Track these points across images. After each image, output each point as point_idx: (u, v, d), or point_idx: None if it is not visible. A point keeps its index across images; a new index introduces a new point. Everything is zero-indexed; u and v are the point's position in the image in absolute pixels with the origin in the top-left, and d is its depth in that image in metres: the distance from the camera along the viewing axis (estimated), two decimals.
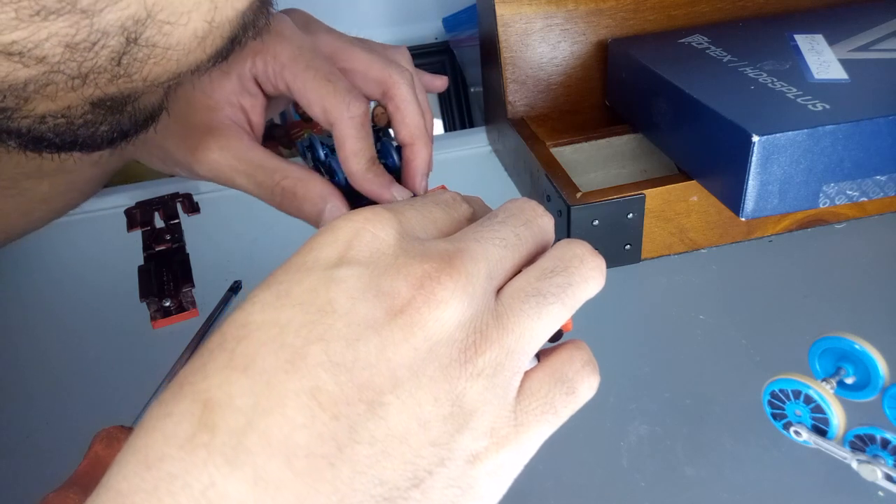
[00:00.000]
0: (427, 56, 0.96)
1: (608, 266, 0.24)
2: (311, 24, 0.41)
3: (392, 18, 0.94)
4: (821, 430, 0.33)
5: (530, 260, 0.23)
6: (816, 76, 0.43)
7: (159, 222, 0.55)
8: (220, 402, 0.17)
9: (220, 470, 0.17)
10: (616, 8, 0.54)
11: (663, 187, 0.45)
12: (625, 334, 0.44)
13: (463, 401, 0.19)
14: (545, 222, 0.24)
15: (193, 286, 0.48)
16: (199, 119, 0.38)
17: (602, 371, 0.23)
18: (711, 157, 0.42)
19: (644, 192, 0.45)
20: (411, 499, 0.18)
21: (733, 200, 0.40)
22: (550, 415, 0.21)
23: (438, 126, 0.99)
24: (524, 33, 0.54)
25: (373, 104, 0.47)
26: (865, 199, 0.41)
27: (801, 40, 0.49)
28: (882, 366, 0.33)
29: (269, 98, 0.40)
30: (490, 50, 0.57)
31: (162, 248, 0.52)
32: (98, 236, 0.58)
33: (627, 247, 0.47)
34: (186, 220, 0.55)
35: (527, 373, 0.21)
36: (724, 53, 0.48)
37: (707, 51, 0.49)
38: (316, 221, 0.37)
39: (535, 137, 0.53)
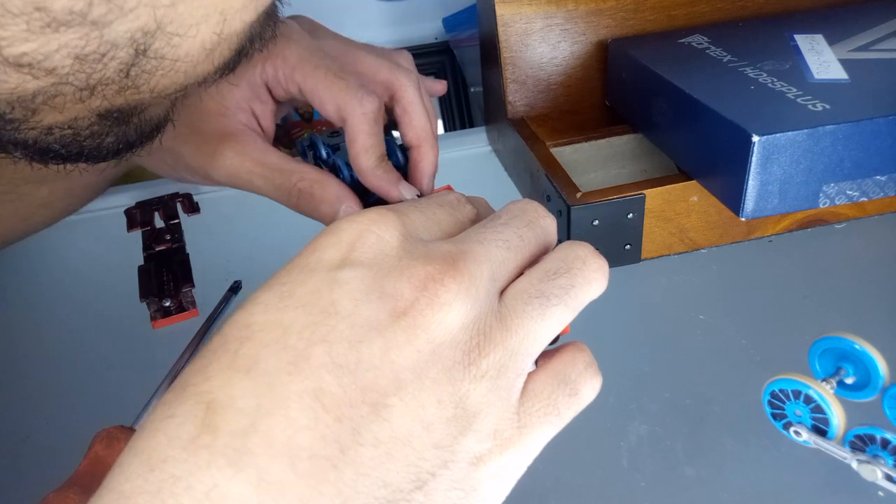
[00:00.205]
0: (427, 56, 0.96)
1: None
2: (316, 29, 0.41)
3: (392, 18, 0.94)
4: (821, 430, 0.33)
5: (533, 261, 0.23)
6: (816, 76, 0.43)
7: (159, 222, 0.55)
8: (223, 404, 0.17)
9: (223, 472, 0.16)
10: (616, 8, 0.54)
11: (663, 187, 0.45)
12: (625, 334, 0.44)
13: (466, 403, 0.19)
14: (548, 223, 0.24)
15: (193, 286, 0.48)
16: (212, 126, 0.38)
17: (602, 371, 0.23)
18: (711, 157, 0.42)
19: (644, 192, 0.45)
20: (414, 501, 0.18)
21: (733, 200, 0.40)
22: (553, 416, 0.21)
23: (439, 126, 0.99)
24: (524, 33, 0.54)
25: None
26: (865, 199, 0.41)
27: (801, 40, 0.49)
28: (882, 366, 0.33)
29: (278, 103, 0.40)
30: (490, 50, 0.57)
31: (162, 248, 0.52)
32: (98, 236, 0.58)
33: (627, 247, 0.47)
34: (186, 220, 0.55)
35: (529, 374, 0.21)
36: (724, 53, 0.48)
37: (707, 51, 0.49)
38: (331, 222, 0.38)
39: (535, 137, 0.53)
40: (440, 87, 0.46)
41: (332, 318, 0.19)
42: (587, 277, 0.22)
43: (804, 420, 0.34)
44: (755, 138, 0.37)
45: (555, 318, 0.21)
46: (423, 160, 0.39)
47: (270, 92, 0.39)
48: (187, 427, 0.17)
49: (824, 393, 0.32)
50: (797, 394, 0.33)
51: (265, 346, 0.18)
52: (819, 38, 0.49)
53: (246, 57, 0.22)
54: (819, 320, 0.43)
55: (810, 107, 0.40)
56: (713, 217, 0.47)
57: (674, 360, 0.41)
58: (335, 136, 0.43)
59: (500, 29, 0.53)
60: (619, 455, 0.36)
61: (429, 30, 0.96)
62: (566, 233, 0.45)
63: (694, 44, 0.51)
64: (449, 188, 0.40)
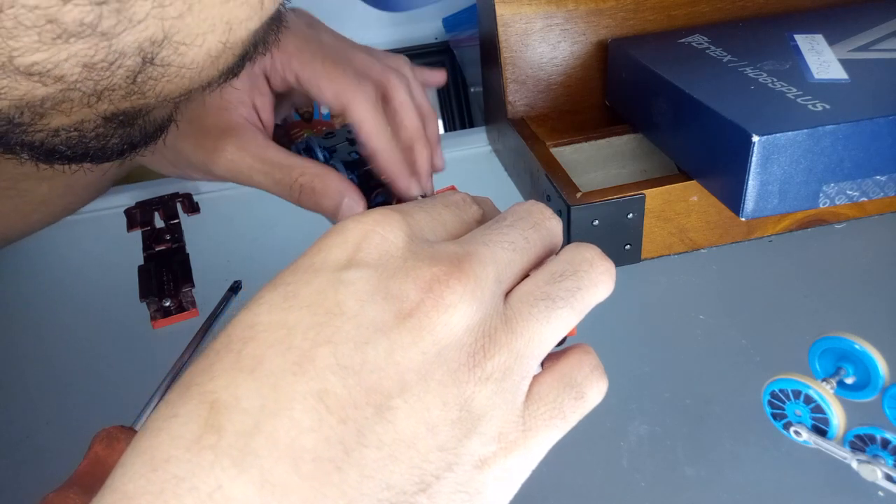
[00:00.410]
0: (427, 56, 0.96)
1: None
2: (314, 23, 0.41)
3: (392, 18, 0.94)
4: (821, 430, 0.33)
5: (538, 263, 0.23)
6: (816, 76, 0.43)
7: (159, 222, 0.55)
8: (227, 404, 0.17)
9: (226, 472, 0.16)
10: (616, 8, 0.54)
11: (663, 187, 0.45)
12: (625, 334, 0.44)
13: (471, 405, 0.19)
14: (553, 225, 0.24)
15: (193, 286, 0.48)
16: (213, 121, 0.38)
17: None
18: (711, 157, 0.42)
19: (644, 192, 0.45)
20: (418, 503, 0.18)
21: (733, 200, 0.40)
22: (559, 419, 0.21)
23: (439, 127, 0.99)
24: (524, 33, 0.54)
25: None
26: (865, 199, 0.41)
27: (801, 40, 0.49)
28: (882, 366, 0.33)
29: (276, 95, 0.41)
30: (490, 50, 0.57)
31: (162, 248, 0.52)
32: (98, 236, 0.57)
33: (627, 247, 0.47)
34: (186, 220, 0.55)
35: (535, 377, 0.21)
36: (724, 53, 0.48)
37: (707, 51, 0.49)
38: (334, 215, 0.38)
39: (535, 137, 0.53)
40: (439, 77, 0.46)
41: (338, 318, 0.19)
42: (593, 280, 0.22)
43: (804, 420, 0.34)
44: (755, 138, 0.37)
45: (560, 321, 0.21)
46: (418, 159, 0.40)
47: (269, 82, 0.40)
48: (191, 427, 0.17)
49: (824, 393, 0.32)
50: (797, 394, 0.33)
51: (270, 346, 0.18)
52: (819, 38, 0.49)
53: (250, 61, 0.22)
54: (819, 320, 0.43)
55: (810, 107, 0.40)
56: (713, 217, 0.47)
57: (674, 360, 0.41)
58: (330, 136, 0.43)
59: (500, 29, 0.53)
60: (619, 455, 0.36)
61: (429, 30, 0.96)
62: (566, 233, 0.45)
63: (694, 44, 0.51)
64: (453, 188, 0.40)
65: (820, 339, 0.35)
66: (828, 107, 0.39)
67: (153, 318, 0.46)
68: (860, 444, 0.32)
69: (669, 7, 0.54)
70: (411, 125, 0.40)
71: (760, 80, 0.44)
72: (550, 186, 0.47)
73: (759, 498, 0.34)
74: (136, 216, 0.56)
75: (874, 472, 0.31)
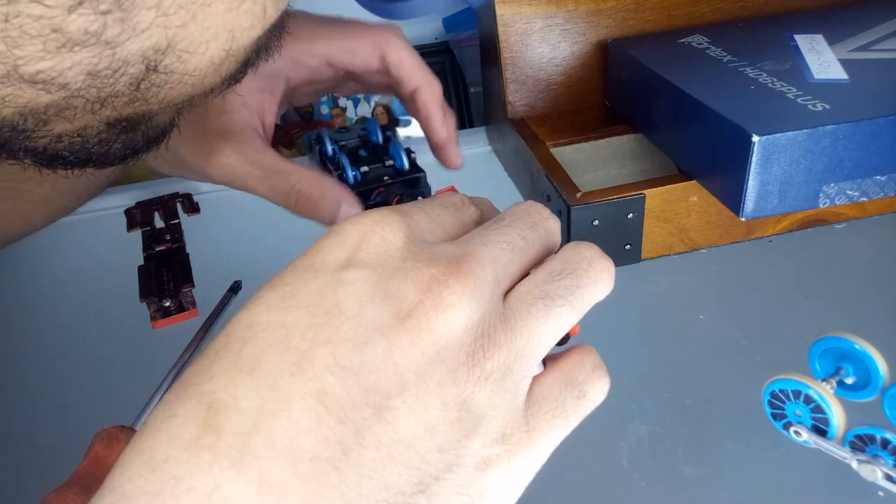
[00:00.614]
0: (427, 56, 0.96)
1: None
2: (309, 14, 0.42)
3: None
4: (821, 430, 0.33)
5: (537, 263, 0.23)
6: (816, 76, 0.43)
7: (159, 222, 0.55)
8: (226, 404, 0.17)
9: (225, 473, 0.16)
10: (616, 8, 0.54)
11: (663, 187, 0.45)
12: (625, 334, 0.44)
13: (471, 405, 0.19)
14: (551, 225, 0.24)
15: (193, 286, 0.48)
16: (212, 124, 0.38)
17: None
18: (711, 157, 0.42)
19: (644, 192, 0.45)
20: None
21: (733, 200, 0.40)
22: (562, 419, 0.20)
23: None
24: (524, 33, 0.54)
25: (372, 102, 0.47)
26: (865, 199, 0.41)
27: (801, 40, 0.49)
28: (882, 366, 0.33)
29: (284, 95, 0.41)
30: (490, 50, 0.57)
31: (162, 248, 0.52)
32: (98, 236, 0.57)
33: (627, 247, 0.47)
34: (186, 220, 0.55)
35: (536, 378, 0.21)
36: (724, 53, 0.48)
37: (707, 51, 0.49)
38: (331, 223, 0.38)
39: (535, 137, 0.53)
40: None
41: (336, 319, 0.19)
42: (593, 278, 0.22)
43: (804, 420, 0.34)
44: (755, 138, 0.37)
45: (560, 320, 0.21)
46: (428, 100, 0.41)
47: (289, 80, 0.40)
48: (189, 427, 0.17)
49: (824, 393, 0.32)
50: (797, 394, 0.33)
51: (268, 346, 0.18)
52: (819, 38, 0.49)
53: (252, 68, 0.22)
54: (819, 320, 0.43)
55: (810, 107, 0.40)
56: (713, 217, 0.47)
57: (674, 360, 0.41)
58: (343, 131, 0.43)
59: (500, 29, 0.53)
60: (619, 455, 0.36)
61: (429, 30, 0.95)
62: (566, 233, 0.45)
63: (694, 44, 0.51)
64: (452, 189, 0.41)
65: (820, 339, 0.35)
66: (828, 107, 0.39)
67: (153, 318, 0.46)
68: (860, 444, 0.32)
69: (669, 7, 0.54)
70: (414, 70, 0.41)
71: (760, 80, 0.44)
72: (550, 186, 0.47)
73: (759, 498, 0.34)
74: (136, 216, 0.56)
75: (874, 472, 0.31)
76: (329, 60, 0.39)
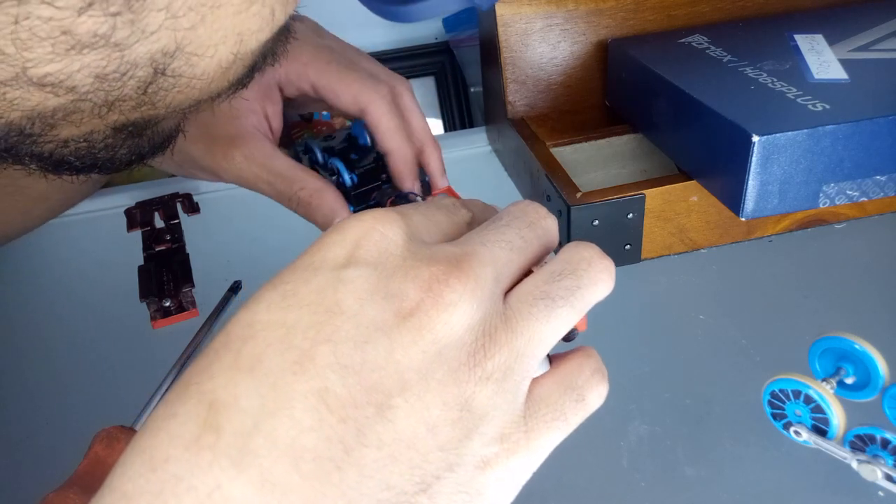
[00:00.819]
0: (427, 56, 0.96)
1: None
2: (319, 31, 0.43)
3: None
4: (821, 430, 0.33)
5: (535, 262, 0.23)
6: (816, 76, 0.43)
7: (159, 222, 0.55)
8: (226, 404, 0.17)
9: (226, 472, 0.16)
10: (616, 8, 0.54)
11: (663, 187, 0.45)
12: (625, 334, 0.44)
13: (472, 405, 0.19)
14: (549, 224, 0.24)
15: (193, 286, 0.48)
16: (223, 128, 0.40)
17: None
18: (711, 157, 0.42)
19: (644, 192, 0.45)
20: None
21: (733, 200, 0.40)
22: (560, 421, 0.21)
23: (438, 126, 0.99)
24: (524, 33, 0.54)
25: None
26: (865, 199, 0.41)
27: (801, 40, 0.49)
28: (882, 366, 0.33)
29: (288, 100, 0.42)
30: (490, 50, 0.57)
31: (162, 248, 0.52)
32: (98, 236, 0.57)
33: (627, 247, 0.47)
34: (186, 220, 0.55)
35: (536, 379, 0.21)
36: (724, 53, 0.48)
37: (707, 51, 0.49)
38: (324, 229, 0.40)
39: (535, 137, 0.53)
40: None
41: (337, 317, 0.19)
42: (593, 278, 0.22)
43: (804, 420, 0.34)
44: (755, 138, 0.37)
45: (560, 320, 0.21)
46: (430, 160, 0.42)
47: (281, 91, 0.41)
48: (189, 427, 0.17)
49: (824, 393, 0.32)
50: (797, 394, 0.33)
51: (269, 345, 0.18)
52: (819, 38, 0.49)
53: (258, 72, 0.22)
54: (819, 320, 0.43)
55: (810, 107, 0.40)
56: (713, 217, 0.47)
57: (674, 360, 0.41)
58: (329, 139, 0.44)
59: (500, 29, 0.53)
60: (619, 455, 0.36)
61: (429, 30, 0.95)
62: (566, 233, 0.45)
63: (694, 44, 0.51)
64: (448, 190, 0.41)
65: (820, 339, 0.35)
66: (828, 107, 0.39)
67: (153, 318, 0.46)
68: (860, 444, 0.32)
69: (669, 7, 0.54)
70: (419, 127, 0.42)
71: (760, 80, 0.44)
72: (550, 186, 0.47)
73: (759, 498, 0.34)
74: (136, 216, 0.56)
75: (874, 472, 0.31)
76: (316, 90, 0.40)
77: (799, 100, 0.41)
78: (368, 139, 0.43)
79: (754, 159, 0.38)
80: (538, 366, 0.21)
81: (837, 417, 0.32)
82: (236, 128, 0.40)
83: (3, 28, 0.16)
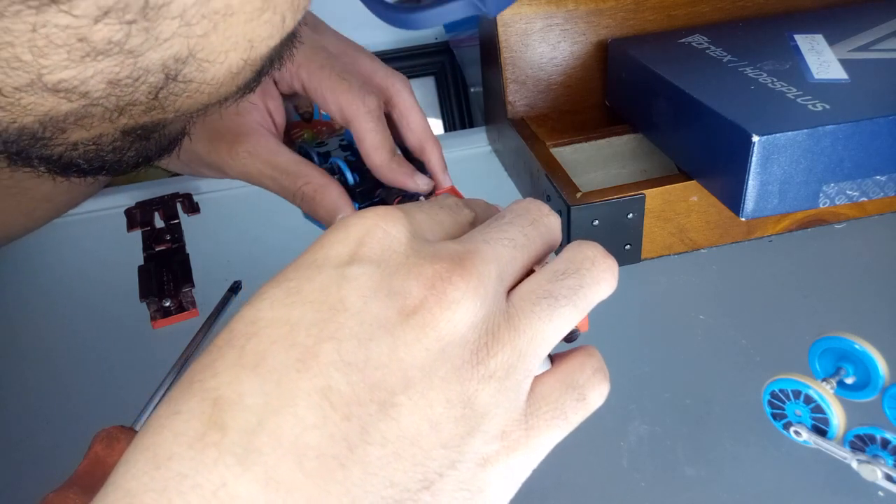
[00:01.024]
0: (427, 56, 0.96)
1: None
2: (317, 25, 0.42)
3: None
4: (821, 430, 0.33)
5: (538, 260, 0.23)
6: (816, 76, 0.43)
7: (159, 222, 0.55)
8: (231, 401, 0.17)
9: (230, 470, 0.16)
10: (616, 8, 0.54)
11: (663, 187, 0.45)
12: (625, 334, 0.44)
13: (474, 402, 0.19)
14: (552, 222, 0.24)
15: (193, 286, 0.48)
16: (227, 125, 0.40)
17: None
18: (711, 157, 0.42)
19: (644, 192, 0.45)
20: (421, 501, 0.18)
21: (733, 200, 0.40)
22: (561, 420, 0.21)
23: (438, 126, 0.99)
24: (524, 33, 0.54)
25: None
26: (865, 199, 0.41)
27: (801, 40, 0.49)
28: (882, 366, 0.33)
29: (284, 96, 0.42)
30: (490, 50, 0.57)
31: (162, 248, 0.52)
32: (98, 236, 0.57)
33: (627, 247, 0.47)
34: (186, 220, 0.55)
35: (537, 378, 0.21)
36: (724, 53, 0.48)
37: (707, 51, 0.49)
38: (327, 225, 0.40)
39: (535, 137, 0.53)
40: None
41: (341, 315, 0.19)
42: (596, 278, 0.22)
43: (804, 420, 0.34)
44: (755, 138, 0.37)
45: (563, 319, 0.21)
46: (431, 158, 0.42)
47: (276, 85, 0.41)
48: (194, 424, 0.17)
49: (824, 393, 0.32)
50: (797, 394, 0.33)
51: (273, 342, 0.18)
52: (819, 38, 0.49)
53: (265, 76, 0.23)
54: (819, 320, 0.43)
55: (810, 107, 0.40)
56: (713, 217, 0.47)
57: (674, 360, 0.41)
58: (322, 145, 0.44)
59: (500, 29, 0.53)
60: (619, 455, 0.36)
61: (429, 30, 0.95)
62: (566, 233, 0.45)
63: (694, 44, 0.51)
64: (451, 190, 0.41)
65: (820, 339, 0.35)
66: (828, 107, 0.39)
67: (153, 318, 0.46)
68: (860, 444, 0.32)
69: (669, 7, 0.54)
70: (418, 125, 0.41)
71: (760, 80, 0.44)
72: (550, 186, 0.47)
73: (759, 498, 0.34)
74: (136, 216, 0.56)
75: (874, 472, 0.31)
76: (306, 92, 0.41)
77: (799, 100, 0.41)
78: None
79: (754, 159, 0.38)
80: (540, 364, 0.21)
81: (837, 417, 0.32)
82: (239, 124, 0.40)
83: (20, 36, 0.16)
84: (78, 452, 0.28)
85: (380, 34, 0.94)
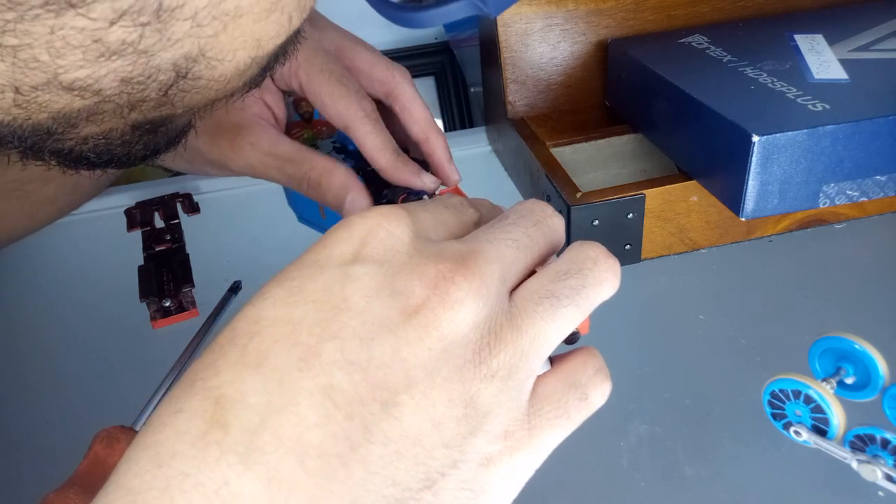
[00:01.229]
0: (427, 56, 0.96)
1: None
2: (317, 20, 0.42)
3: None
4: (821, 430, 0.33)
5: (542, 261, 0.23)
6: (816, 76, 0.43)
7: (159, 222, 0.55)
8: (233, 400, 0.17)
9: (233, 469, 0.16)
10: (616, 8, 0.54)
11: (663, 187, 0.45)
12: (625, 334, 0.44)
13: (477, 402, 0.19)
14: (555, 222, 0.24)
15: (193, 286, 0.48)
16: (227, 119, 0.40)
17: None
18: (711, 157, 0.42)
19: (644, 192, 0.45)
20: (423, 500, 0.18)
21: (733, 200, 0.40)
22: (564, 419, 0.21)
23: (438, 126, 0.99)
24: (524, 33, 0.54)
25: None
26: (865, 199, 0.41)
27: (801, 40, 0.49)
28: (882, 366, 0.33)
29: (283, 93, 0.42)
30: (490, 50, 0.57)
31: (162, 248, 0.52)
32: (98, 236, 0.57)
33: (627, 247, 0.47)
34: (186, 220, 0.55)
35: (540, 377, 0.21)
36: (724, 53, 0.48)
37: (707, 51, 0.49)
38: (338, 209, 0.39)
39: (535, 137, 0.53)
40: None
41: (344, 314, 0.19)
42: (598, 278, 0.22)
43: (804, 420, 0.34)
44: (755, 138, 0.37)
45: (565, 319, 0.21)
46: (436, 150, 0.41)
47: (273, 81, 0.41)
48: (196, 423, 0.17)
49: (824, 393, 0.32)
50: (797, 394, 0.33)
51: (275, 341, 0.18)
52: (819, 38, 0.49)
53: (270, 72, 0.23)
54: (819, 320, 0.43)
55: (810, 107, 0.40)
56: (713, 217, 0.47)
57: (674, 360, 0.41)
58: (315, 148, 0.44)
59: (500, 29, 0.53)
60: (619, 455, 0.36)
61: (429, 30, 0.95)
62: (566, 233, 0.45)
63: (694, 44, 0.51)
64: (456, 190, 0.41)
65: (820, 339, 0.35)
66: (828, 107, 0.39)
67: (153, 318, 0.46)
68: (860, 444, 0.32)
69: (669, 7, 0.54)
70: (422, 117, 0.41)
71: (760, 80, 0.44)
72: (550, 186, 0.47)
73: (759, 498, 0.34)
74: (136, 216, 0.56)
75: (874, 472, 0.31)
76: (303, 92, 0.40)
77: (799, 100, 0.41)
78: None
79: (754, 159, 0.38)
80: (542, 365, 0.21)
81: (837, 417, 0.32)
82: (240, 118, 0.40)
83: (39, 38, 0.16)
84: (78, 452, 0.28)
85: (379, 34, 0.94)
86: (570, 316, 0.21)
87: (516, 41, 0.54)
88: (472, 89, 0.95)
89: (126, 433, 0.29)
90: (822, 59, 0.46)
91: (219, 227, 0.57)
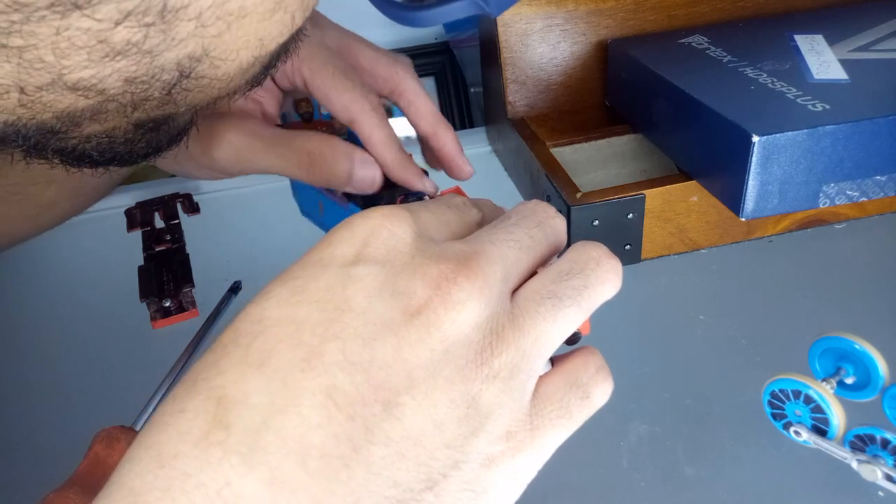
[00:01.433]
0: (427, 56, 0.96)
1: None
2: (318, 18, 0.41)
3: None
4: (821, 430, 0.33)
5: (544, 261, 0.23)
6: (816, 76, 0.43)
7: (159, 222, 0.55)
8: (235, 400, 0.17)
9: (235, 469, 0.16)
10: (616, 8, 0.54)
11: (663, 187, 0.45)
12: (625, 334, 0.44)
13: (479, 403, 0.19)
14: (557, 223, 0.24)
15: (193, 286, 0.48)
16: (210, 117, 0.38)
17: None
18: (711, 157, 0.42)
19: (644, 192, 0.45)
20: (425, 501, 0.18)
21: (733, 200, 0.40)
22: (566, 419, 0.21)
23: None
24: (524, 33, 0.54)
25: None
26: (865, 199, 0.41)
27: (801, 40, 0.49)
28: (882, 366, 0.33)
29: (282, 92, 0.41)
30: (490, 50, 0.57)
31: (162, 248, 0.52)
32: (98, 236, 0.57)
33: (627, 247, 0.47)
34: (186, 220, 0.55)
35: (541, 377, 0.21)
36: (724, 53, 0.48)
37: (707, 51, 0.49)
38: (347, 180, 0.37)
39: (535, 137, 0.53)
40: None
41: (346, 314, 0.19)
42: (600, 278, 0.22)
43: (804, 420, 0.34)
44: (755, 138, 0.37)
45: (567, 319, 0.21)
46: (446, 144, 0.40)
47: (274, 80, 0.40)
48: (198, 422, 0.17)
49: (824, 393, 0.32)
50: (797, 394, 0.33)
51: (278, 341, 0.18)
52: (819, 38, 0.49)
53: (272, 70, 0.23)
54: (819, 320, 0.43)
55: (810, 107, 0.40)
56: (713, 217, 0.47)
57: (674, 360, 0.41)
58: None
59: (500, 29, 0.53)
60: (619, 455, 0.36)
61: (429, 30, 0.95)
62: (566, 233, 0.45)
63: (694, 44, 0.51)
64: (457, 190, 0.41)
65: (820, 339, 0.35)
66: (828, 107, 0.39)
67: (153, 319, 0.46)
68: (860, 444, 0.32)
69: (669, 7, 0.54)
70: (428, 111, 0.40)
71: (760, 80, 0.44)
72: (550, 186, 0.47)
73: (759, 498, 0.34)
74: (137, 216, 0.56)
75: (874, 472, 0.31)
76: (308, 88, 0.39)
77: (799, 100, 0.41)
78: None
79: (754, 159, 0.38)
80: (543, 365, 0.21)
81: (837, 417, 0.32)
82: (223, 108, 0.38)
83: (45, 39, 0.16)
84: (78, 452, 0.28)
85: (379, 34, 0.94)
86: (573, 316, 0.21)
87: (516, 41, 0.54)
88: (472, 89, 0.95)
89: (126, 433, 0.29)
90: (822, 60, 0.46)
91: (219, 227, 0.57)
